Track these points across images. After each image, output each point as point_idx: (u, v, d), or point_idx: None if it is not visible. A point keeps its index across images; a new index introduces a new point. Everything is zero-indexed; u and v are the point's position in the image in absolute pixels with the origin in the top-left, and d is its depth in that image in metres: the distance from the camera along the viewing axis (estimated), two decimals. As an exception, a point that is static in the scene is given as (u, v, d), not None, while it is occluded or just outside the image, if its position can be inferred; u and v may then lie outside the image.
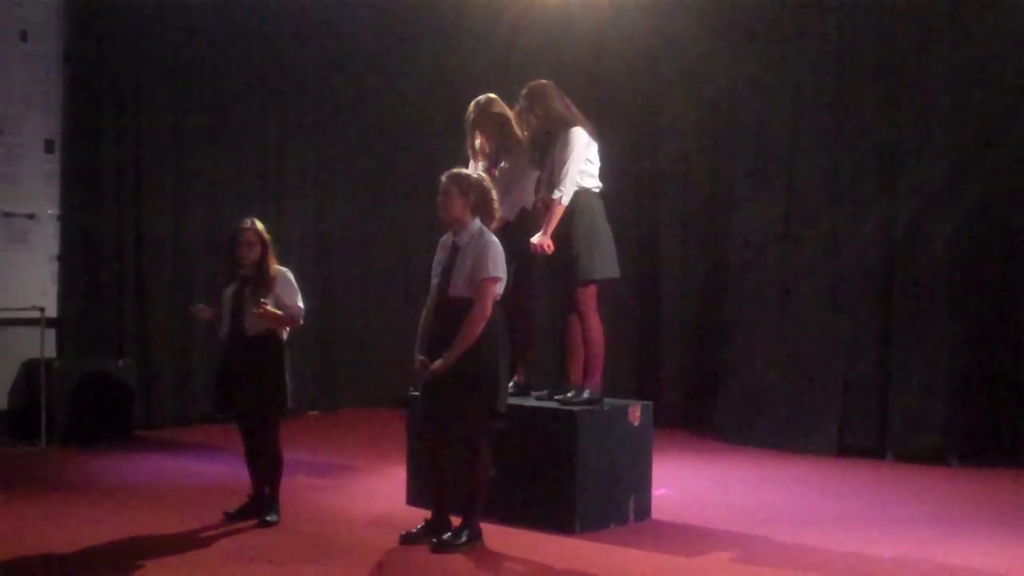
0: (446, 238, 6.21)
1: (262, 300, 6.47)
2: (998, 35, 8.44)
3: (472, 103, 7.08)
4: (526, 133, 6.85)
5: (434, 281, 6.18)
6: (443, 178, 6.17)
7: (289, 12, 10.91)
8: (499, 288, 6.03)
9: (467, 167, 7.15)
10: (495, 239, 6.10)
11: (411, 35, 11.32)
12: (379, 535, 6.39)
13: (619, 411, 6.76)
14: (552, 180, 6.65)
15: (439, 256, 6.20)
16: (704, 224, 10.02)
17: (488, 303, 5.96)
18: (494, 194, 6.19)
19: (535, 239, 6.59)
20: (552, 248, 6.58)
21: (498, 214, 6.26)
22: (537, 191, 6.86)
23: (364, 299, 11.52)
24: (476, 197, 6.10)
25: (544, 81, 6.85)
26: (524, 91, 6.82)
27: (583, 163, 6.66)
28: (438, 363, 5.92)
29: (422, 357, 6.09)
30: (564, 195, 6.57)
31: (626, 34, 10.08)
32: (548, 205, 6.65)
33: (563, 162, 6.57)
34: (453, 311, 5.99)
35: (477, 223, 6.11)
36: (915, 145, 8.71)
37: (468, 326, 5.90)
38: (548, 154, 6.71)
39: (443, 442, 6.18)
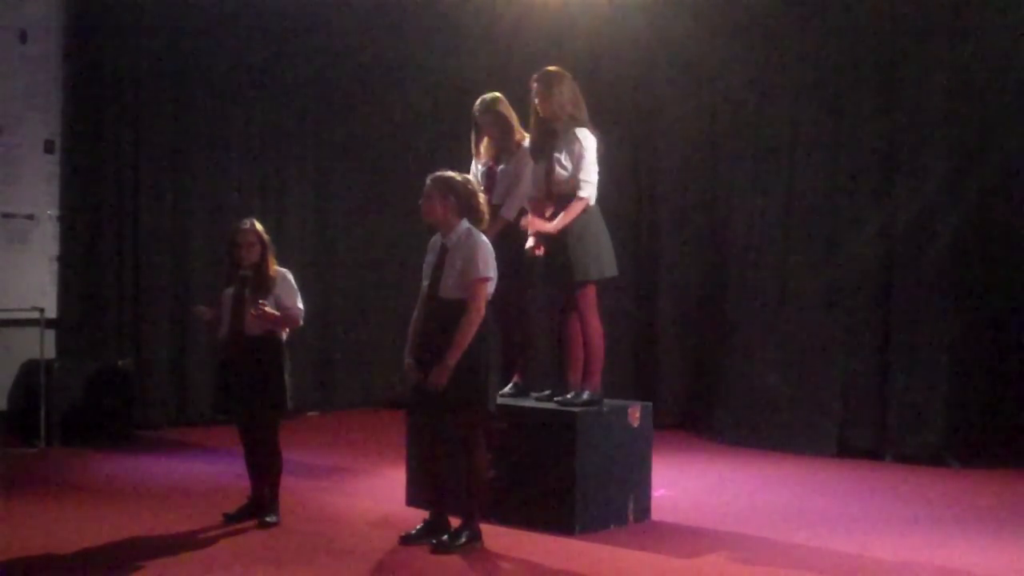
0: (435, 240, 6.21)
1: (261, 301, 6.47)
2: (998, 35, 8.44)
3: (478, 101, 7.05)
4: (533, 116, 6.78)
5: (424, 283, 6.19)
6: (427, 180, 6.16)
7: (289, 12, 10.90)
8: (490, 288, 6.03)
9: (470, 166, 7.17)
10: (484, 239, 6.10)
11: (411, 35, 11.30)
12: (379, 536, 6.39)
13: (619, 412, 6.76)
14: (549, 179, 6.63)
15: (428, 258, 6.20)
16: (703, 224, 10.01)
17: (482, 304, 5.96)
18: (480, 196, 6.17)
19: (544, 226, 6.55)
20: (542, 252, 6.57)
21: (486, 216, 6.24)
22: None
23: (364, 300, 11.51)
24: (457, 199, 6.07)
25: (559, 69, 6.77)
26: (536, 75, 6.73)
27: (595, 163, 6.64)
28: (437, 371, 5.90)
29: (410, 360, 6.09)
30: (591, 196, 6.56)
31: (626, 35, 10.07)
32: (544, 204, 6.65)
33: (579, 162, 6.54)
34: (444, 312, 5.99)
35: (464, 224, 6.09)
36: (915, 145, 8.71)
37: (464, 328, 5.90)
38: (546, 149, 6.69)
39: (438, 442, 6.18)
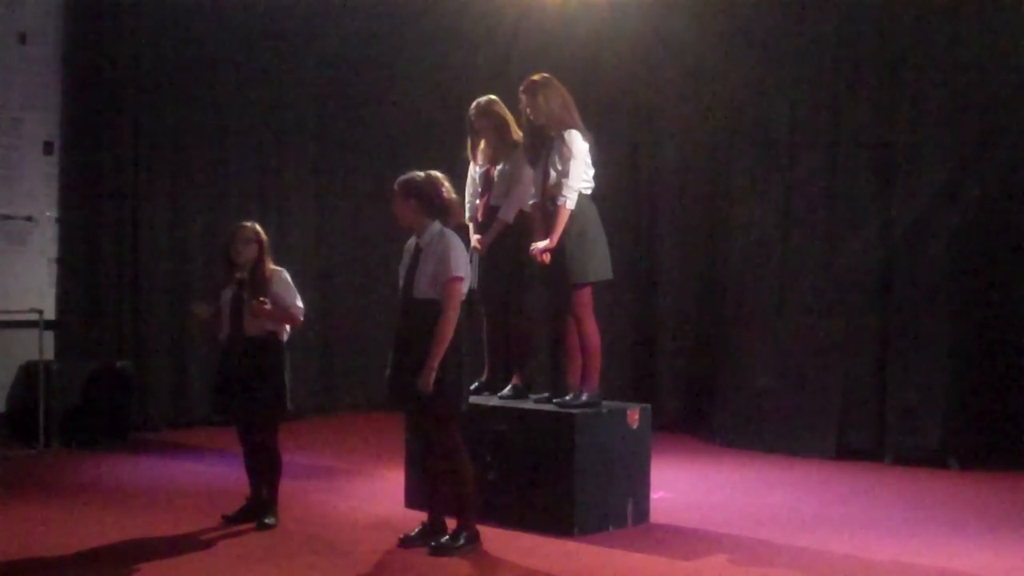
0: (410, 243, 6.21)
1: (261, 299, 6.48)
2: (998, 35, 8.43)
3: (472, 104, 7.06)
4: (524, 123, 6.79)
5: (400, 284, 6.19)
6: (394, 186, 6.16)
7: (289, 13, 10.90)
8: (463, 288, 6.03)
9: (468, 168, 7.17)
10: (457, 239, 6.11)
11: (411, 36, 11.30)
12: (378, 538, 6.39)
13: (617, 414, 6.76)
14: (546, 184, 6.62)
15: (404, 260, 6.20)
16: (702, 225, 10.00)
17: (457, 303, 5.96)
18: (444, 191, 6.09)
19: (540, 245, 6.57)
20: (549, 258, 6.56)
21: (455, 209, 6.23)
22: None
23: (364, 302, 11.49)
24: (419, 199, 6.05)
25: (545, 76, 6.77)
26: (523, 85, 6.74)
27: (584, 167, 6.63)
28: (423, 376, 5.88)
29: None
30: (569, 200, 6.53)
31: (625, 35, 10.07)
32: (546, 210, 6.64)
33: (565, 166, 6.55)
34: (418, 313, 6.00)
35: (437, 225, 6.09)
36: (914, 145, 8.70)
37: (441, 329, 5.89)
38: (542, 155, 6.68)
39: (431, 443, 6.17)
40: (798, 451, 8.96)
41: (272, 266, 6.67)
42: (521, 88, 6.74)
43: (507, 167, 6.96)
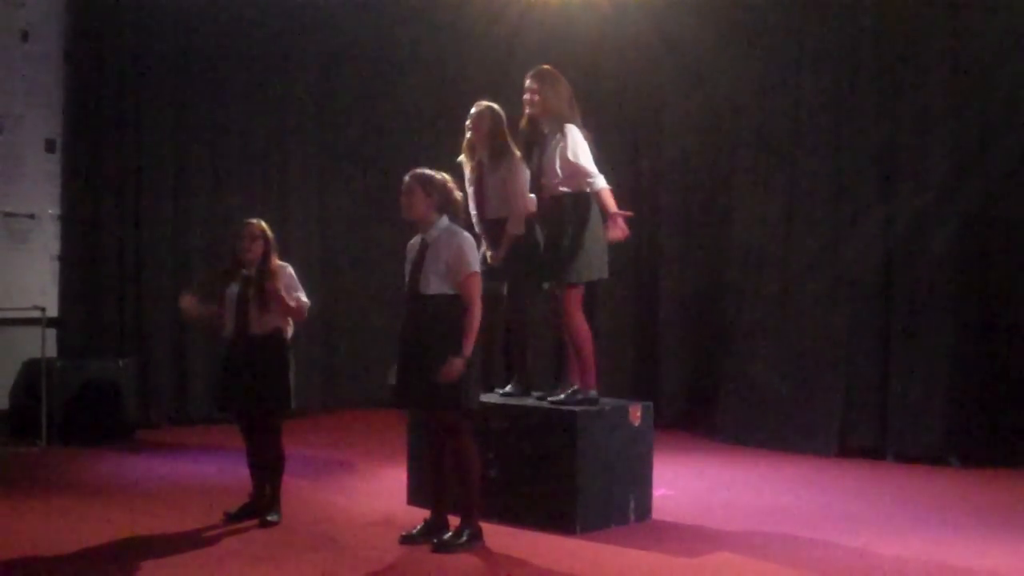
0: (414, 241, 6.22)
1: (275, 286, 6.51)
2: (998, 35, 8.44)
3: (473, 106, 7.04)
4: (526, 113, 6.79)
5: (407, 281, 6.20)
6: (406, 178, 6.17)
7: (289, 11, 10.91)
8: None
9: (462, 169, 7.15)
10: (467, 235, 6.16)
11: (411, 35, 11.31)
12: (380, 535, 6.40)
13: (620, 411, 6.77)
14: (542, 178, 6.64)
15: (409, 257, 6.21)
16: (704, 224, 10.01)
17: (479, 297, 6.00)
18: (457, 193, 6.18)
19: (615, 234, 6.62)
20: (627, 232, 6.62)
21: (460, 211, 6.25)
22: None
23: (366, 299, 11.49)
24: (439, 197, 6.09)
25: (551, 68, 6.79)
26: (534, 71, 6.75)
27: (589, 154, 6.65)
28: (450, 363, 5.87)
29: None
30: (598, 181, 6.58)
31: (626, 35, 10.08)
32: (542, 202, 6.68)
33: (576, 159, 6.54)
34: (427, 308, 6.02)
35: (445, 220, 6.12)
36: (915, 145, 8.71)
37: (470, 323, 5.94)
38: (536, 148, 6.71)
39: (436, 440, 6.18)
40: (800, 448, 8.96)
41: (277, 261, 6.68)
42: (531, 73, 6.74)
43: (498, 176, 6.89)
